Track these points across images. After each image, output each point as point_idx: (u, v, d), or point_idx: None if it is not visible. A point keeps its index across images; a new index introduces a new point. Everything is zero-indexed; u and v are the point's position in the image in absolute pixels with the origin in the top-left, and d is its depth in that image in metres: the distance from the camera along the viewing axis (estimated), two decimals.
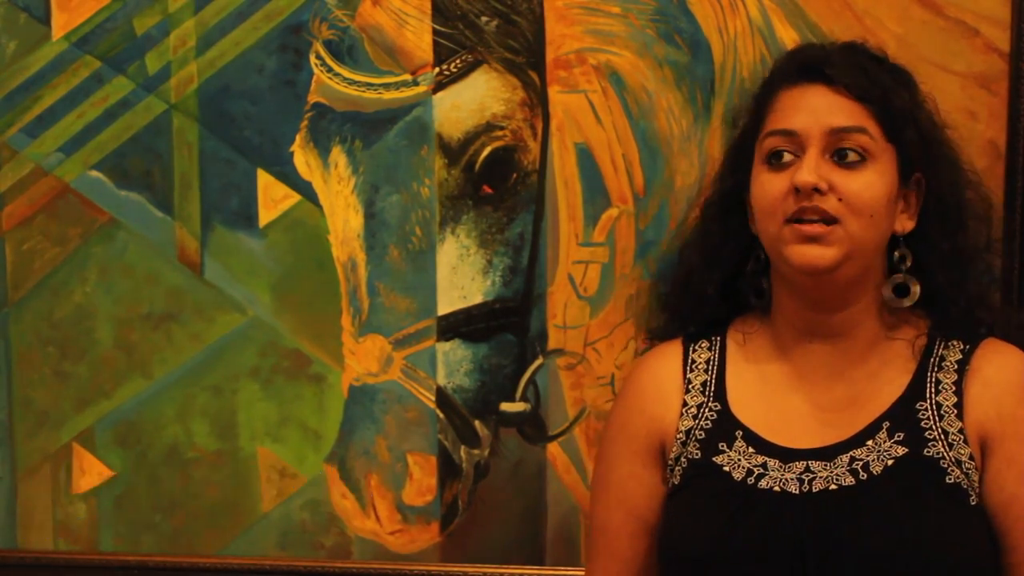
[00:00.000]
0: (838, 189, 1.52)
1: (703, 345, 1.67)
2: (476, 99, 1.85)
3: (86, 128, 1.94)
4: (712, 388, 1.64)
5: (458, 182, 1.87)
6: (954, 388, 1.55)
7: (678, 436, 1.62)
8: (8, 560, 2.00)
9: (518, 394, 1.88)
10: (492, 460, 1.90)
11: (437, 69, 1.85)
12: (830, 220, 1.52)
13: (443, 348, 1.89)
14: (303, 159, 1.90)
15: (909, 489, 1.51)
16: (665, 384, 1.66)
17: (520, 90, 1.84)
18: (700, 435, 1.61)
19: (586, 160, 1.84)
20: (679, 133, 1.82)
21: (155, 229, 1.94)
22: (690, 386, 1.65)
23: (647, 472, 1.65)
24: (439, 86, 1.86)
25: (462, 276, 1.88)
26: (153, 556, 1.98)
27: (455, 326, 1.88)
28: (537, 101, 1.84)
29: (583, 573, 1.87)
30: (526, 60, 1.84)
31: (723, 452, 1.58)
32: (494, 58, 1.84)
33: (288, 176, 1.90)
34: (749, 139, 1.63)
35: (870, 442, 1.54)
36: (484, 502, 1.91)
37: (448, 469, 1.91)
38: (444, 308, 1.89)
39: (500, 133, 1.85)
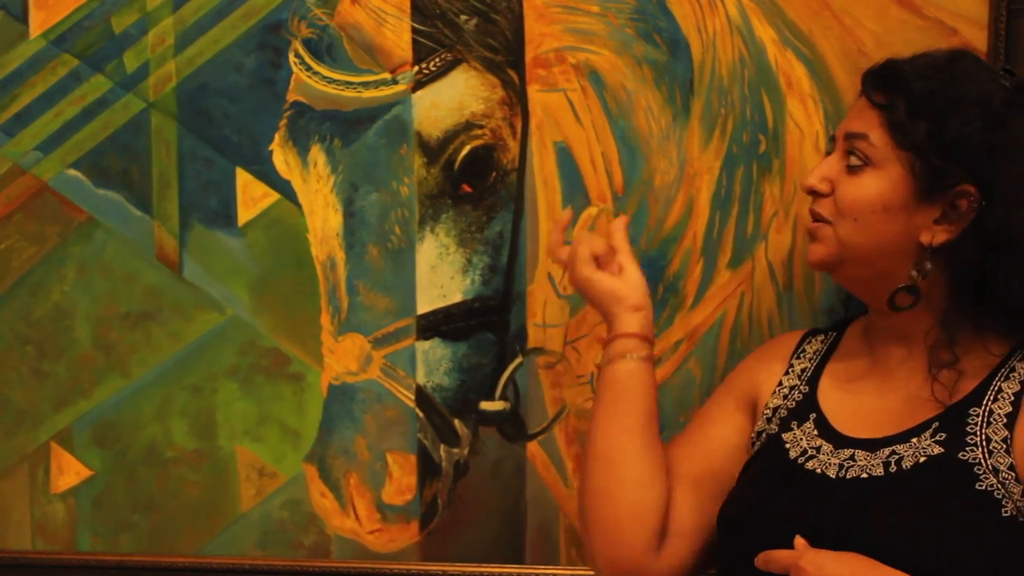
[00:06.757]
0: (835, 192, 1.58)
1: (819, 338, 1.72)
2: (455, 98, 1.85)
3: (64, 127, 1.93)
4: (808, 375, 1.68)
5: (437, 181, 1.87)
6: (1012, 398, 1.52)
7: (765, 412, 1.67)
8: None
9: (498, 393, 1.88)
10: (472, 459, 1.90)
11: (416, 68, 1.85)
12: (824, 220, 1.59)
13: (422, 347, 1.89)
14: (282, 158, 1.89)
15: (934, 488, 1.49)
16: (775, 357, 1.71)
17: (499, 89, 1.84)
18: (783, 413, 1.65)
19: (565, 159, 1.84)
20: (658, 132, 1.82)
21: (133, 228, 1.93)
22: (791, 370, 1.69)
23: (733, 410, 1.70)
24: (418, 85, 1.85)
25: (441, 275, 1.88)
26: (132, 556, 1.97)
27: (434, 325, 1.88)
28: (516, 100, 1.84)
29: (563, 572, 1.88)
30: (505, 59, 1.84)
31: (792, 430, 1.62)
32: (473, 57, 1.84)
33: (267, 175, 1.90)
34: None
35: (915, 439, 1.54)
36: (464, 501, 1.91)
37: (428, 468, 1.91)
38: (423, 307, 1.88)
39: (479, 132, 1.85)
